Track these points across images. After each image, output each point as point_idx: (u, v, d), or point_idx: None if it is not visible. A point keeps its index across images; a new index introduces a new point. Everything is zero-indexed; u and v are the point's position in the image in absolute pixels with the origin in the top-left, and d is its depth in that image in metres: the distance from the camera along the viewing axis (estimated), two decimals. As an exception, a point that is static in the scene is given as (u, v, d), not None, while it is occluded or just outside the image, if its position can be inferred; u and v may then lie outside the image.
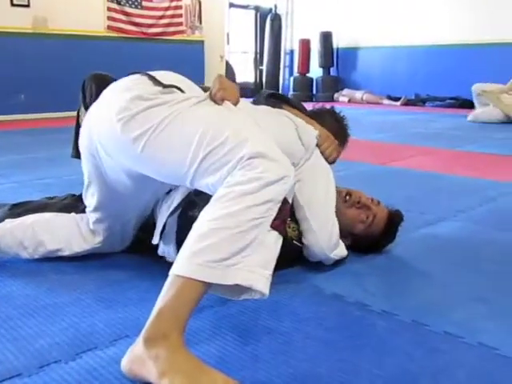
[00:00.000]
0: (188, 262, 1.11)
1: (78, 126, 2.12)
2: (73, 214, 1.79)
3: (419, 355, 1.25)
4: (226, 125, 1.29)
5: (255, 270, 1.13)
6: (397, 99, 9.75)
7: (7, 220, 1.77)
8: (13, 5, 6.47)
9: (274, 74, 11.21)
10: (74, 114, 2.24)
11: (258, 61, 11.61)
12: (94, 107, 1.52)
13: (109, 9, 7.32)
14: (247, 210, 1.13)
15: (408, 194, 2.86)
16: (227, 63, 9.40)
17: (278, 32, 11.07)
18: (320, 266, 1.76)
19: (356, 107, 9.11)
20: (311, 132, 1.77)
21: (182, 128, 1.30)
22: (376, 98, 10.08)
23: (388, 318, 1.43)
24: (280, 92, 7.10)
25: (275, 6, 11.17)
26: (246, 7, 11.30)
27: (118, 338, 1.29)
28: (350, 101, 10.26)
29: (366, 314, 1.46)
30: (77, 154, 2.07)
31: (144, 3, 7.70)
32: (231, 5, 10.72)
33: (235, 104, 1.46)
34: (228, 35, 10.06)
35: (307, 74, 10.97)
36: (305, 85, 10.92)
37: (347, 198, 1.84)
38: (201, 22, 8.45)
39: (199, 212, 1.20)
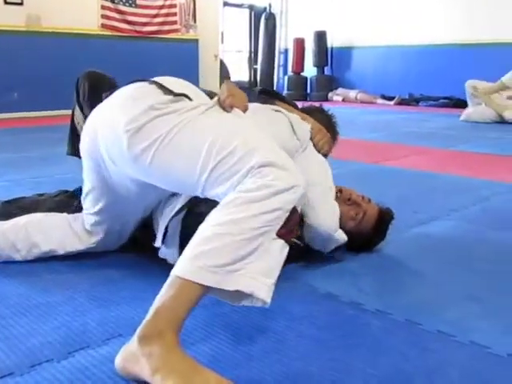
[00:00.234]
0: (189, 264, 1.11)
1: (74, 124, 2.11)
2: (65, 214, 1.78)
3: (413, 354, 1.25)
4: (235, 133, 1.29)
5: (257, 277, 1.13)
6: (391, 99, 9.77)
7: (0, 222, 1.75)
8: (6, 3, 6.44)
9: (269, 73, 11.20)
10: (68, 112, 2.23)
11: (253, 60, 11.59)
12: (99, 112, 1.49)
13: (102, 7, 7.28)
14: (252, 218, 1.13)
15: (401, 193, 2.86)
16: (221, 62, 9.37)
17: (273, 31, 11.06)
18: (314, 264, 1.77)
19: (350, 106, 9.13)
20: (305, 126, 1.79)
21: (191, 137, 1.29)
22: (370, 98, 10.09)
23: (381, 317, 1.43)
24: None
25: (269, 5, 11.15)
26: (240, 6, 11.27)
27: (110, 336, 1.29)
28: (344, 100, 10.27)
29: (359, 313, 1.46)
30: (72, 151, 2.06)
31: (138, 1, 7.66)
32: (225, 3, 10.69)
33: (244, 111, 1.46)
34: (222, 34, 10.04)
35: (301, 73, 10.97)
36: (299, 84, 10.92)
37: (338, 194, 1.85)
38: (195, 21, 8.43)
39: (206, 208, 1.19)
